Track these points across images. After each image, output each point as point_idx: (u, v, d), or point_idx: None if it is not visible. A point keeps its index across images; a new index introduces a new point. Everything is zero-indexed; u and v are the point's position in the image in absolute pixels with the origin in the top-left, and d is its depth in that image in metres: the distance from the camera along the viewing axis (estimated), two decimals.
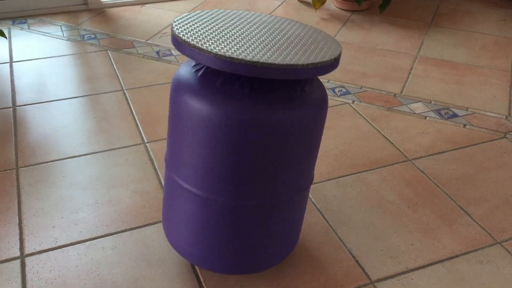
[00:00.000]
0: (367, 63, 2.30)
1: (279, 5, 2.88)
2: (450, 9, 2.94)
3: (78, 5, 2.70)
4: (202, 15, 1.10)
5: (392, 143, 1.76)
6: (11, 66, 2.13)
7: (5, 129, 1.74)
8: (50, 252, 1.29)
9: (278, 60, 0.91)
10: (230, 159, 1.01)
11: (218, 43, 0.95)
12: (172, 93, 1.05)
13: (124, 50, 2.31)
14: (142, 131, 1.76)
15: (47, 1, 2.63)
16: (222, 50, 0.92)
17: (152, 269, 1.26)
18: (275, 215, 1.11)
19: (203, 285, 1.22)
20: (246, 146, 0.99)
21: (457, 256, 1.33)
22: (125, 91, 2.00)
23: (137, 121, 1.82)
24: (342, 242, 1.36)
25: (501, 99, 2.05)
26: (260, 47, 0.97)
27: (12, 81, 2.03)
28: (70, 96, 1.95)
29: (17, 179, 1.52)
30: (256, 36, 1.02)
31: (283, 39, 1.03)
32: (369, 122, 1.87)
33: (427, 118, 1.91)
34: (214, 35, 0.99)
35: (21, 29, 2.45)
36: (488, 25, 2.74)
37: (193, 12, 1.12)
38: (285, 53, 0.96)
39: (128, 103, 1.92)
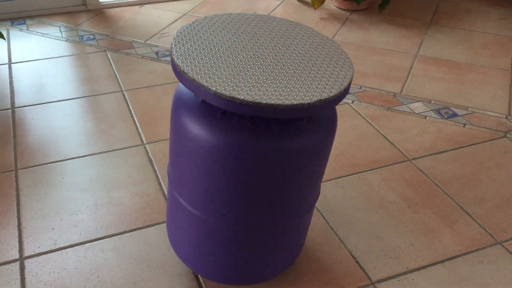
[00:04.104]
0: (367, 62, 2.29)
1: (279, 4, 2.88)
2: (449, 8, 2.93)
3: (77, 5, 2.70)
4: (201, 30, 1.03)
5: (392, 143, 1.75)
6: (9, 68, 2.13)
7: (4, 131, 1.74)
8: (49, 254, 1.29)
9: (282, 100, 0.84)
10: (231, 188, 0.98)
11: (219, 75, 0.88)
12: (173, 109, 1.01)
13: (123, 50, 2.30)
14: (141, 132, 1.76)
15: (45, 2, 2.63)
16: (222, 86, 0.85)
17: (152, 271, 1.25)
18: (278, 235, 1.09)
19: (203, 287, 1.22)
20: (247, 176, 0.95)
21: (457, 256, 1.33)
22: (124, 92, 1.99)
23: (136, 122, 1.81)
24: (342, 243, 1.35)
25: (501, 98, 2.05)
26: (263, 78, 0.89)
27: (11, 82, 2.02)
28: (69, 97, 1.94)
29: (16, 181, 1.52)
30: (259, 61, 0.95)
31: (289, 64, 0.95)
32: (369, 122, 1.86)
33: (427, 117, 1.91)
34: (214, 62, 0.92)
35: (19, 30, 2.45)
36: (488, 24, 2.74)
37: (192, 25, 1.04)
38: (289, 87, 0.88)
39: (127, 104, 1.91)
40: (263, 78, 0.90)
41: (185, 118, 0.96)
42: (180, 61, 0.91)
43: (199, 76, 0.88)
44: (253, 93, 0.85)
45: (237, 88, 0.86)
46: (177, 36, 1.00)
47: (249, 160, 0.92)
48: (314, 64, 0.96)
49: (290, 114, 0.85)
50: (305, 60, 0.97)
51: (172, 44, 0.97)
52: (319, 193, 1.15)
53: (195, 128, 0.94)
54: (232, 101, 0.84)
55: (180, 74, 0.90)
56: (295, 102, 0.84)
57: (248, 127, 0.91)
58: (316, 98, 0.86)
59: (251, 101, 0.83)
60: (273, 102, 0.84)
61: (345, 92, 0.91)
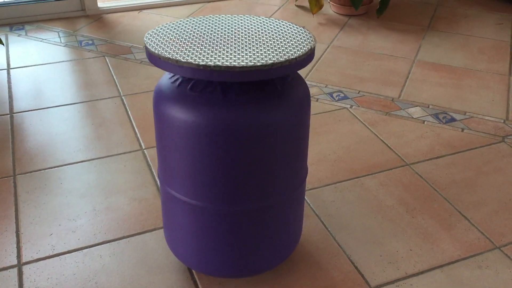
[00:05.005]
0: (365, 67, 2.30)
1: (277, 10, 2.89)
2: (447, 13, 2.94)
3: (75, 11, 2.71)
4: (175, 25, 1.10)
5: (390, 148, 1.76)
6: (8, 73, 2.13)
7: (2, 136, 1.74)
8: (47, 260, 1.29)
9: (246, 62, 0.91)
10: (215, 166, 1.01)
11: (185, 51, 0.95)
12: (154, 105, 1.06)
13: (121, 56, 2.31)
14: (139, 137, 1.76)
15: (44, 7, 2.63)
16: (186, 58, 0.92)
17: (150, 276, 1.25)
18: (270, 216, 1.11)
19: None
20: (227, 151, 0.99)
21: (456, 261, 1.33)
22: (122, 97, 2.00)
23: (135, 127, 1.81)
24: (341, 248, 1.35)
25: (499, 103, 2.06)
26: (230, 51, 0.96)
27: (9, 87, 2.03)
28: (68, 103, 1.94)
29: (15, 187, 1.52)
30: (228, 40, 1.02)
31: (254, 39, 1.02)
32: (367, 127, 1.86)
33: (425, 122, 1.91)
34: (182, 44, 0.99)
35: (18, 36, 2.45)
36: (485, 28, 2.75)
37: (167, 23, 1.12)
38: (255, 54, 0.95)
39: (126, 109, 1.92)
40: (230, 51, 0.96)
41: (162, 106, 1.01)
42: (151, 46, 0.98)
43: (168, 53, 0.94)
44: (218, 60, 0.92)
45: (203, 58, 0.92)
46: (154, 30, 1.07)
47: (224, 133, 0.96)
48: (280, 39, 1.04)
49: (260, 76, 0.91)
50: (272, 38, 1.05)
51: (147, 34, 1.04)
52: (305, 174, 1.17)
53: (172, 111, 0.99)
54: (197, 69, 0.90)
55: (151, 56, 0.96)
56: (263, 63, 0.91)
57: (219, 101, 0.96)
58: (283, 59, 0.93)
59: (216, 66, 0.89)
60: (238, 64, 0.90)
61: (310, 54, 0.99)
